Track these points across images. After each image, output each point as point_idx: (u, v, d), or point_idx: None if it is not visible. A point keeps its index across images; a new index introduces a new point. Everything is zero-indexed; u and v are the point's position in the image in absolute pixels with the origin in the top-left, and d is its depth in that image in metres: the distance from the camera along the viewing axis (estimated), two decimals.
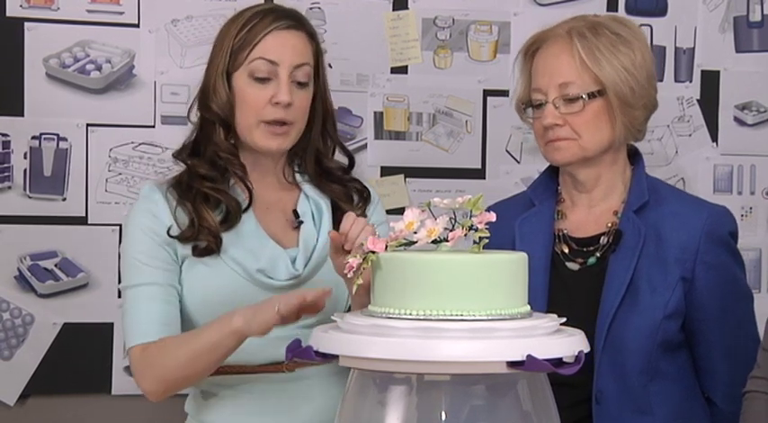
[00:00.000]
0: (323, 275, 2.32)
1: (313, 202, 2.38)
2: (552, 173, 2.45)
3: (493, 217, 1.78)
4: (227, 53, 2.30)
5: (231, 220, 2.29)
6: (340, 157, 2.45)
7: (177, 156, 2.36)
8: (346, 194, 2.41)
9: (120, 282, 3.04)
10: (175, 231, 2.27)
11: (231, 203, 2.30)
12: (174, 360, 2.20)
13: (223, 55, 2.30)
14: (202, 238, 2.27)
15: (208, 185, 2.29)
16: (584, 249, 2.36)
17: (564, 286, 2.33)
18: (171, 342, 2.22)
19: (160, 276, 2.27)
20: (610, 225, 2.36)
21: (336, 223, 2.35)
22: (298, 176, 2.40)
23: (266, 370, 2.29)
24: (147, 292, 2.26)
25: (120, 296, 3.06)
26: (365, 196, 2.42)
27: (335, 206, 2.38)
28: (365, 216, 2.39)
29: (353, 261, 1.78)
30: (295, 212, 2.37)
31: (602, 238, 2.35)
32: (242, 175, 2.31)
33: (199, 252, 2.27)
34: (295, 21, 2.33)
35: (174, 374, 2.21)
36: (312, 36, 2.35)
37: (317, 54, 2.36)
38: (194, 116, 2.36)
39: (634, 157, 2.42)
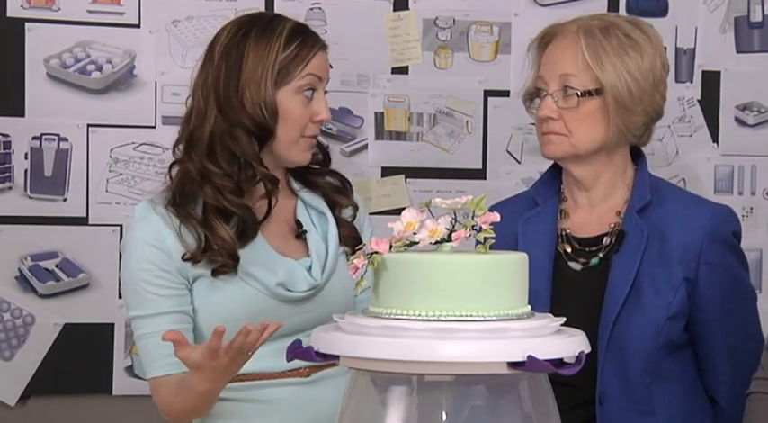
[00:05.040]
0: (334, 283, 2.33)
1: (312, 210, 2.38)
2: (555, 171, 2.44)
3: (497, 217, 1.78)
4: (274, 66, 2.27)
5: (248, 235, 2.26)
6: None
7: (177, 161, 2.33)
8: (332, 185, 2.42)
9: (120, 282, 3.07)
10: (188, 255, 2.24)
11: (248, 217, 2.26)
12: (176, 410, 2.24)
13: (269, 68, 2.27)
14: (219, 260, 2.23)
15: (228, 198, 2.25)
16: (587, 250, 2.35)
17: (566, 287, 2.33)
18: (167, 396, 2.23)
19: (168, 304, 2.25)
20: (612, 225, 2.35)
21: (339, 225, 2.38)
22: (293, 183, 2.41)
23: (284, 376, 2.28)
24: (156, 323, 2.23)
25: (120, 296, 3.08)
26: (347, 186, 2.44)
27: (328, 200, 2.40)
28: (355, 206, 2.43)
29: (358, 261, 1.78)
30: (298, 222, 2.36)
31: (604, 238, 2.35)
32: (272, 188, 2.28)
33: (218, 272, 2.24)
34: (321, 40, 2.36)
35: (182, 417, 2.27)
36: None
37: None
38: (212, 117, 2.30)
39: (637, 157, 2.41)
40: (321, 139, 2.45)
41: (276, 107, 2.28)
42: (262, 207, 2.31)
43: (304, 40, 2.31)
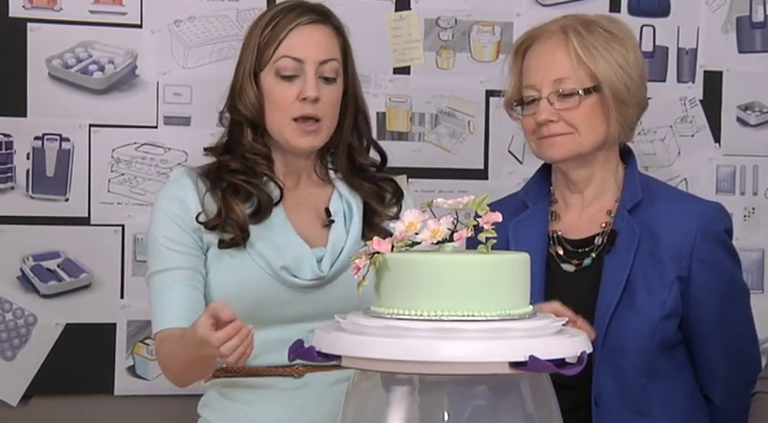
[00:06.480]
0: (347, 278, 2.29)
1: (345, 201, 2.36)
2: (545, 173, 2.44)
3: (499, 217, 1.79)
4: (254, 52, 2.29)
5: (262, 213, 2.28)
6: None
7: (209, 150, 2.35)
8: (377, 194, 2.39)
9: (122, 282, 3.09)
10: (203, 218, 2.27)
11: (263, 197, 2.28)
12: (175, 366, 2.23)
13: (250, 54, 2.29)
14: (229, 230, 2.25)
15: (240, 178, 2.28)
16: (579, 250, 2.35)
17: (560, 288, 2.31)
18: (170, 347, 2.21)
19: (184, 261, 2.27)
20: (604, 225, 2.35)
21: (367, 224, 2.35)
22: (331, 173, 2.39)
23: (277, 372, 2.27)
24: (170, 277, 2.25)
25: (122, 297, 3.09)
26: (398, 195, 2.41)
27: (367, 206, 2.37)
28: (397, 217, 2.37)
29: (359, 261, 1.78)
30: (327, 211, 2.35)
31: (596, 238, 2.34)
32: (270, 174, 2.30)
33: (226, 244, 2.26)
34: (320, 15, 2.32)
35: (182, 375, 2.25)
36: (338, 30, 2.34)
37: (345, 49, 2.35)
38: (225, 119, 2.35)
39: (626, 155, 2.41)
40: (380, 142, 2.44)
41: (255, 92, 2.28)
42: (294, 191, 2.33)
43: (281, 19, 2.29)
